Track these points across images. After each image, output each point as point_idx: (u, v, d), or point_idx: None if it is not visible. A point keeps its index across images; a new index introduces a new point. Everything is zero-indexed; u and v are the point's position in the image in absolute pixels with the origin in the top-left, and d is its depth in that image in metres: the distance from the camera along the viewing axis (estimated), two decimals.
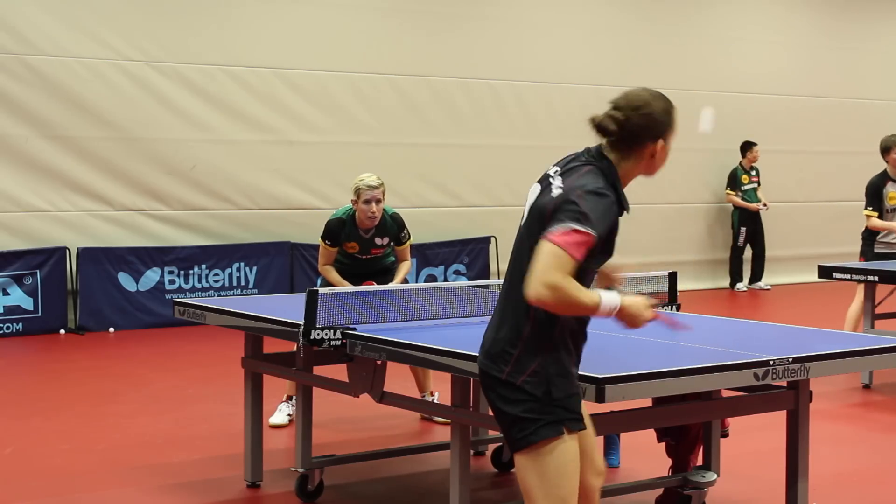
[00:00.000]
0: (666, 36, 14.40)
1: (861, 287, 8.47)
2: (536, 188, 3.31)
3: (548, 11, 13.43)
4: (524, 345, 3.20)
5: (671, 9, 14.51)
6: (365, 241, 6.70)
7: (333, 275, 6.67)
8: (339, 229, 6.63)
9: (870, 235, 8.86)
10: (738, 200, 14.40)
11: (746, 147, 14.57)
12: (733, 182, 14.45)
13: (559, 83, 13.53)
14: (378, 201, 6.52)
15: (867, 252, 8.82)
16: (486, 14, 13.07)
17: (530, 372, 3.19)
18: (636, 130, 3.32)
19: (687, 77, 14.51)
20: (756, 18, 15.29)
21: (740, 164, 14.53)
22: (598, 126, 3.34)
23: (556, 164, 3.35)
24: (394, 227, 6.74)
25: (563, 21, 13.55)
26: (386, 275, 6.83)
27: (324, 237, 6.67)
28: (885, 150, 8.97)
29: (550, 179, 3.26)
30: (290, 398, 6.80)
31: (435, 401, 6.61)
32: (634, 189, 3.45)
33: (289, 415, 6.78)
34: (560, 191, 3.19)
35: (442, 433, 6.32)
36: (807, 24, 15.76)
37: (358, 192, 6.53)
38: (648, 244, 13.68)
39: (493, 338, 3.28)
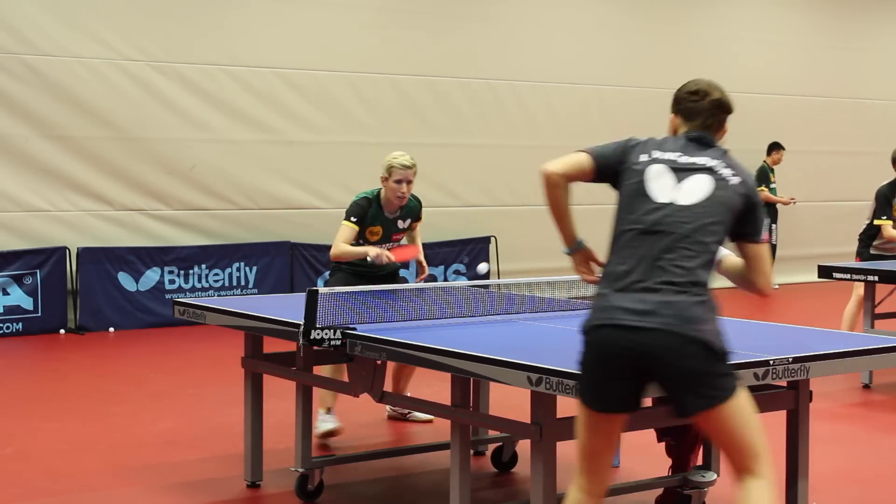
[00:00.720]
0: (666, 36, 14.41)
1: (857, 286, 8.51)
2: (704, 179, 3.56)
3: (548, 11, 13.43)
4: (712, 310, 3.49)
5: (671, 9, 14.52)
6: (389, 224, 6.43)
7: (350, 248, 6.25)
8: (367, 207, 6.31)
9: (867, 237, 8.89)
10: (772, 196, 14.38)
11: (773, 148, 14.60)
12: (765, 179, 14.45)
13: (559, 83, 13.54)
14: (409, 182, 6.32)
15: (863, 253, 8.89)
16: (487, 14, 13.07)
17: (717, 332, 3.47)
18: (725, 118, 3.85)
19: (687, 77, 14.42)
20: (756, 18, 15.29)
21: (765, 162, 14.54)
22: (728, 106, 3.82)
23: (694, 153, 3.64)
24: (417, 206, 6.60)
25: (563, 21, 13.56)
26: (395, 278, 6.68)
27: (350, 215, 6.28)
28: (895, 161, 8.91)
29: (718, 171, 3.57)
30: (329, 410, 6.39)
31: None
32: None
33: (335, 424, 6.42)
34: (739, 181, 3.58)
35: (428, 434, 6.32)
36: (807, 24, 15.77)
37: (390, 169, 6.30)
38: None
39: (687, 303, 3.43)
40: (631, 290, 3.47)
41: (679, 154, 3.62)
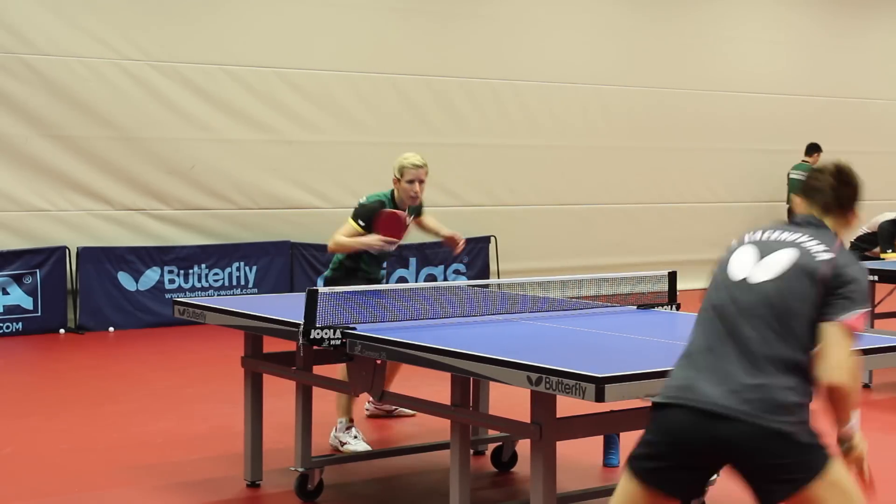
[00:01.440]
0: (666, 36, 14.40)
1: None
2: (787, 253, 3.20)
3: (548, 11, 13.43)
4: (806, 396, 3.17)
5: (671, 8, 14.51)
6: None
7: (349, 240, 6.14)
8: (379, 210, 6.19)
9: (859, 242, 9.11)
10: None
11: (815, 149, 14.69)
12: None
13: (559, 83, 13.53)
14: (421, 181, 6.29)
15: (858, 258, 9.16)
16: (487, 14, 13.07)
17: (804, 422, 3.16)
18: (852, 197, 3.40)
19: (687, 77, 14.52)
20: (756, 18, 15.29)
21: (806, 162, 14.62)
22: (846, 177, 3.41)
23: (778, 230, 3.32)
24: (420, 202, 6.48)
25: (563, 21, 13.55)
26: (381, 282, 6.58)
27: (358, 216, 6.16)
28: None
29: (802, 243, 3.22)
30: (351, 421, 6.27)
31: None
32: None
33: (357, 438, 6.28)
34: (830, 257, 3.18)
35: (428, 434, 6.32)
36: (807, 24, 15.76)
37: (402, 170, 6.25)
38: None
39: (772, 386, 3.08)
40: (712, 369, 3.12)
41: (770, 232, 3.31)
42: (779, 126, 15.22)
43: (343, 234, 6.18)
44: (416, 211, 6.56)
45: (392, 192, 6.34)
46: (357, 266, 6.29)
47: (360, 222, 6.16)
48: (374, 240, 6.12)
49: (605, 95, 13.88)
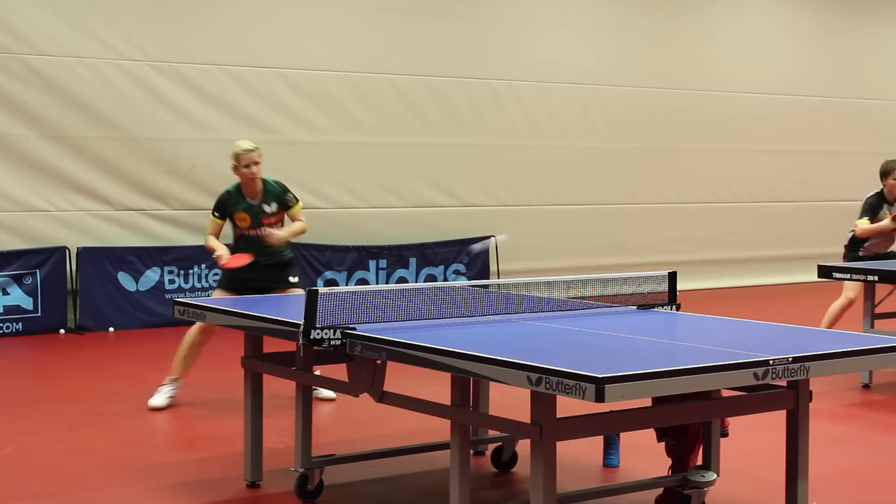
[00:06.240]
0: (666, 36, 14.41)
1: (847, 289, 8.66)
2: None
3: (548, 11, 13.44)
4: None
5: (671, 8, 14.52)
6: (254, 210, 7.12)
7: (213, 241, 7.12)
8: (226, 200, 7.10)
9: (854, 244, 8.99)
10: None
11: None
12: None
13: (559, 83, 13.54)
14: (256, 163, 7.03)
15: (852, 257, 8.99)
16: (487, 14, 13.08)
17: None
18: None
19: (687, 77, 14.52)
20: (756, 18, 15.30)
21: None
22: None
23: None
24: (277, 189, 7.21)
25: (563, 21, 13.56)
26: (286, 269, 7.22)
27: (213, 210, 7.17)
28: (884, 174, 8.98)
29: None
30: (176, 380, 7.25)
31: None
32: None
33: (170, 397, 7.23)
34: None
35: (428, 434, 6.31)
36: (807, 24, 15.77)
37: (237, 157, 7.02)
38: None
39: None
40: None
41: None
42: (779, 126, 15.22)
43: (208, 231, 7.17)
44: (284, 203, 7.24)
45: (238, 182, 7.13)
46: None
47: (216, 214, 7.19)
48: (220, 250, 7.06)
49: (604, 95, 13.89)
